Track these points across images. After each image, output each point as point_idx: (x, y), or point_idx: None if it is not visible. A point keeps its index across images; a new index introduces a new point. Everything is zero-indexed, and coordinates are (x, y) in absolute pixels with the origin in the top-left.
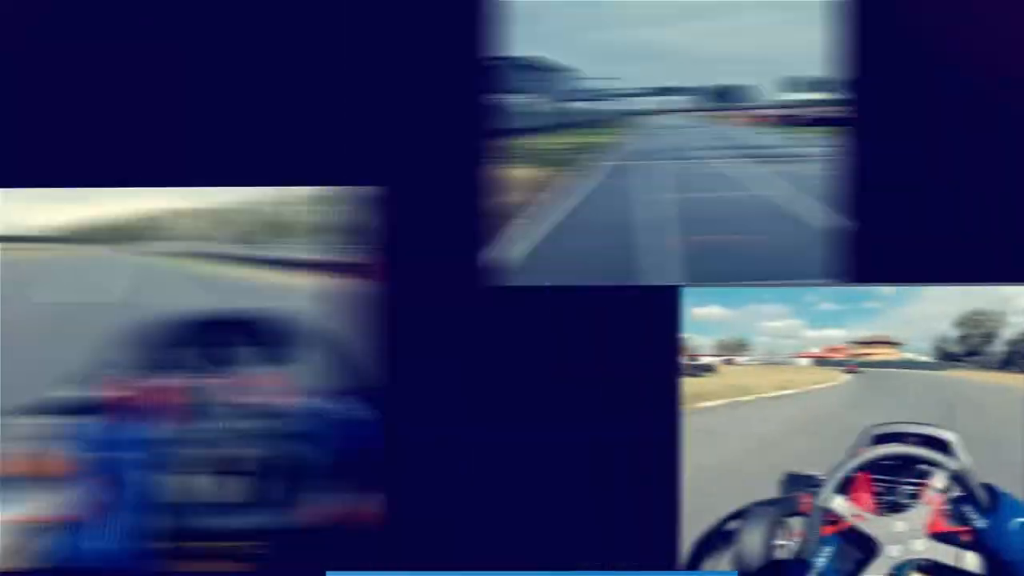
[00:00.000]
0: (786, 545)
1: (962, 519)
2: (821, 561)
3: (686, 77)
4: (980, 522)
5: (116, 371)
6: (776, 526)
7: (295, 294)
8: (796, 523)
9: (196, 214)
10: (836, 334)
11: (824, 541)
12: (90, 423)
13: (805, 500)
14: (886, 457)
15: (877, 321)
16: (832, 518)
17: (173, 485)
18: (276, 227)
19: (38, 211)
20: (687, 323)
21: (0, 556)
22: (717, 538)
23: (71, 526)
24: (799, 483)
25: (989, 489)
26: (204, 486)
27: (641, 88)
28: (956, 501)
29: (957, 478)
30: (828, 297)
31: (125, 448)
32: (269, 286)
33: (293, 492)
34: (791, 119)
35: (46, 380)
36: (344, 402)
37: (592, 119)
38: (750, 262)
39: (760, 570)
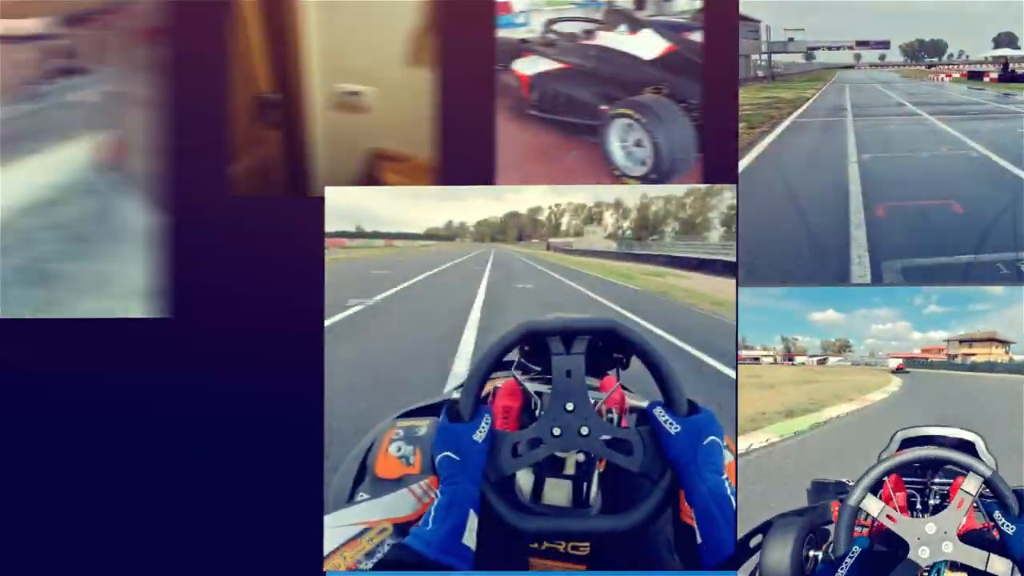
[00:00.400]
0: (816, 555)
1: (992, 521)
2: (853, 560)
3: (884, 31)
4: (1008, 526)
5: (479, 378)
6: (805, 535)
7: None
8: (826, 531)
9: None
10: (942, 336)
11: (854, 542)
12: (452, 430)
13: (836, 507)
14: (917, 460)
15: (987, 322)
16: (863, 520)
17: (513, 483)
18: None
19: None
20: (804, 326)
21: (351, 558)
22: (743, 551)
23: (430, 528)
24: (827, 490)
25: (1017, 493)
26: (539, 484)
27: (836, 41)
28: (986, 504)
29: (987, 481)
30: (937, 299)
31: (477, 452)
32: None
33: (627, 497)
34: (995, 75)
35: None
36: (668, 409)
37: (785, 72)
38: (956, 232)
39: None
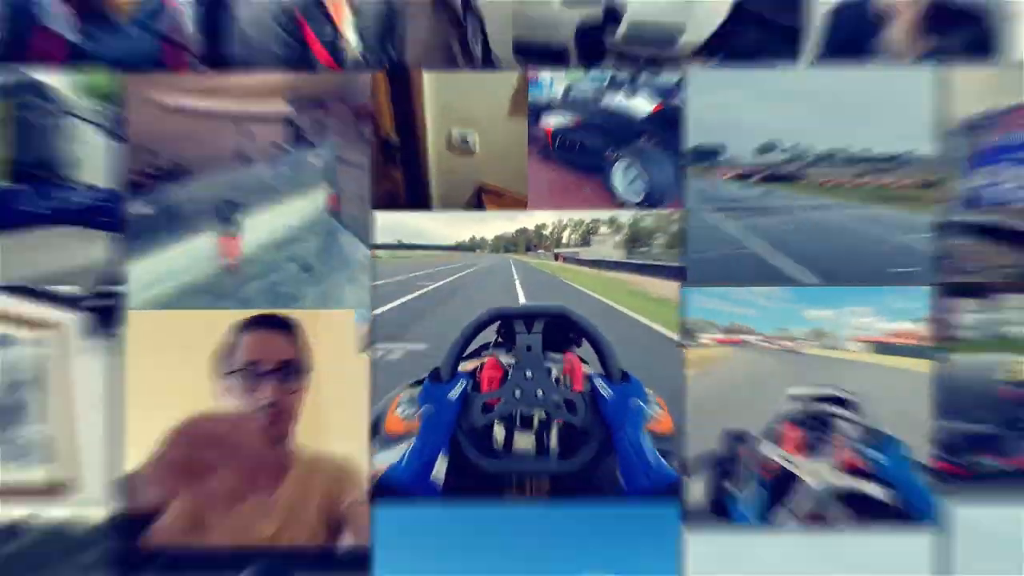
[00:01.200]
0: (727, 485)
1: (862, 456)
2: (757, 498)
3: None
4: (878, 457)
5: (457, 349)
6: (720, 471)
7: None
8: (735, 469)
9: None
10: (906, 327)
11: (759, 481)
12: (432, 389)
13: (743, 451)
14: (806, 412)
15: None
16: (765, 462)
17: (490, 434)
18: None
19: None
20: (801, 320)
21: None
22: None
23: (403, 465)
24: (735, 438)
25: (880, 432)
26: (509, 436)
27: None
28: (858, 442)
29: (861, 426)
30: (904, 297)
31: (450, 408)
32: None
33: (576, 445)
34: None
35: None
36: (604, 378)
37: None
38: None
39: (711, 507)
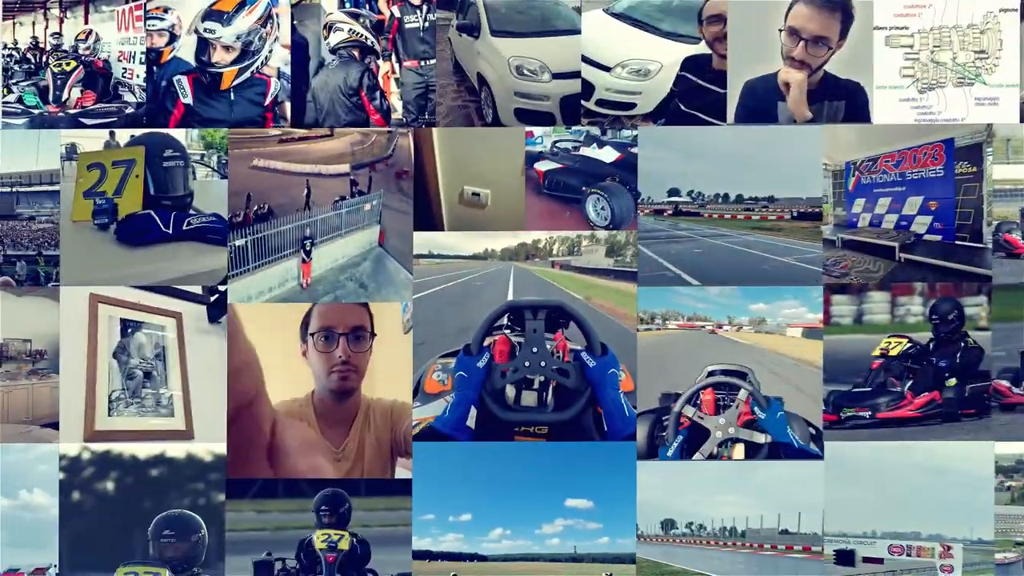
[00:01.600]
0: (663, 435)
1: (753, 413)
2: (677, 444)
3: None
4: (761, 414)
5: (483, 331)
6: (657, 423)
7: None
8: (668, 420)
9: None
10: (818, 315)
11: (679, 432)
12: (464, 359)
13: (672, 407)
14: (714, 383)
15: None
16: (684, 419)
17: (504, 393)
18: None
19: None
20: (745, 311)
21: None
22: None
23: (446, 416)
24: (668, 398)
25: (767, 397)
26: (518, 395)
27: None
28: (751, 403)
29: (751, 392)
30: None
31: (478, 373)
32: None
33: (567, 401)
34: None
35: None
36: (589, 352)
37: None
38: None
39: (648, 448)
